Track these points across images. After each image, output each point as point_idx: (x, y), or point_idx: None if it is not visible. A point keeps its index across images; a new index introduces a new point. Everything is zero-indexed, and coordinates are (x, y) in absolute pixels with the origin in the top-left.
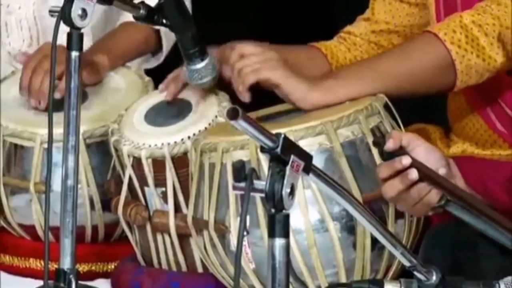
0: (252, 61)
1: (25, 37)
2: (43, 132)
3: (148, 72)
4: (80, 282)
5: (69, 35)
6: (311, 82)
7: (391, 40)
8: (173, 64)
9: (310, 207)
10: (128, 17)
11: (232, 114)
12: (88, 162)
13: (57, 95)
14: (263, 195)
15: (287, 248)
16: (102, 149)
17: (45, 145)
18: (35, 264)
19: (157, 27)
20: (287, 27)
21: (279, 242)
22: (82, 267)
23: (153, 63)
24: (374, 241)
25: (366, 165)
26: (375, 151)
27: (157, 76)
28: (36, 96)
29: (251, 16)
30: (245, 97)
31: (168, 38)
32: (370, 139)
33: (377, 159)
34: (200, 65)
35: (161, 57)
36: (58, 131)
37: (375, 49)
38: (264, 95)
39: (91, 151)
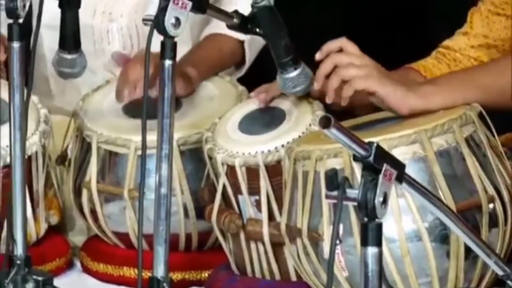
0: (350, 72)
1: (126, 45)
2: (137, 139)
3: (241, 81)
4: None
5: (163, 44)
6: (407, 88)
7: (490, 55)
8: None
9: (403, 216)
10: (216, 27)
11: (325, 123)
12: (182, 169)
13: (153, 94)
14: (355, 203)
15: (379, 257)
16: (196, 156)
17: (139, 152)
18: (129, 272)
19: (242, 38)
20: (382, 46)
21: (371, 250)
22: (176, 276)
23: (236, 75)
24: (468, 250)
25: (460, 174)
26: (469, 160)
27: (250, 85)
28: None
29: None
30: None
31: (251, 50)
32: (464, 149)
33: (471, 168)
34: (293, 73)
35: (243, 70)
36: (153, 138)
37: (475, 64)
38: None
39: (185, 158)
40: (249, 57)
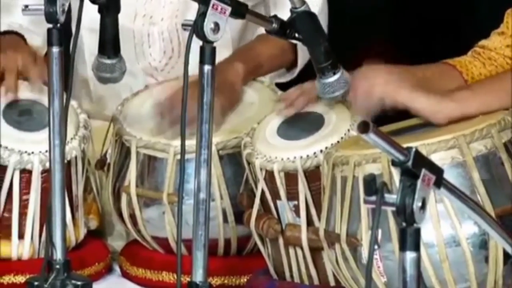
0: (379, 87)
1: (166, 49)
2: (176, 143)
3: (280, 85)
4: None
5: (202, 49)
6: (442, 95)
7: None
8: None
9: (442, 221)
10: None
11: (363, 128)
12: (221, 174)
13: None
14: (394, 209)
15: (418, 262)
16: (234, 161)
17: (179, 157)
18: (168, 277)
19: (294, 41)
20: (420, 44)
21: (410, 255)
22: (215, 281)
23: (287, 77)
24: (506, 255)
25: (499, 180)
26: (508, 165)
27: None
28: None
29: (384, 33)
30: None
31: (304, 53)
32: (502, 154)
33: (510, 173)
34: (332, 78)
35: (295, 72)
36: (192, 142)
37: (510, 64)
38: None
39: (224, 163)
40: (301, 60)
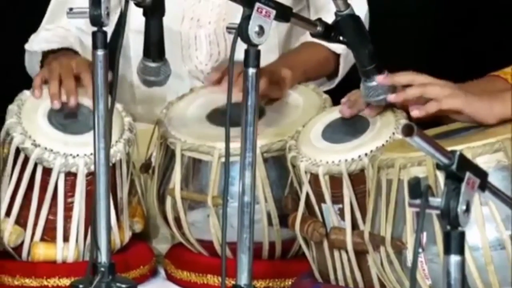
0: (435, 91)
1: (213, 52)
2: (221, 146)
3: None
4: None
5: (246, 52)
6: (490, 96)
7: None
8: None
9: (487, 224)
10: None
11: (407, 131)
12: (265, 177)
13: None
14: (438, 212)
15: (462, 265)
16: (279, 164)
17: (223, 159)
18: (213, 280)
19: (339, 51)
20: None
21: (454, 259)
22: (259, 284)
23: (326, 86)
24: None
25: None
26: None
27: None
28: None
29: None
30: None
31: (345, 64)
32: None
33: None
34: (377, 82)
35: (335, 82)
36: (236, 145)
37: None
38: None
39: (269, 166)
40: (342, 71)
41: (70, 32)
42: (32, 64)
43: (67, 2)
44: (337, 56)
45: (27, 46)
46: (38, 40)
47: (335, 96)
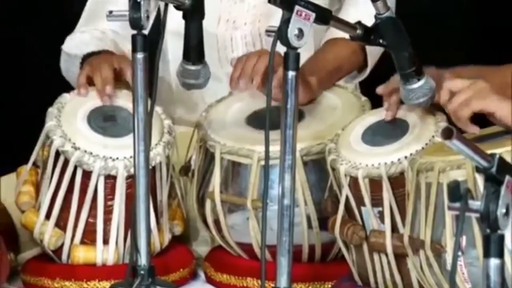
0: (462, 97)
1: None
2: (260, 149)
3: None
4: None
5: (286, 55)
6: None
7: None
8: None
9: None
10: (336, 33)
11: (447, 134)
12: (305, 180)
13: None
14: (478, 215)
15: (502, 268)
16: (318, 167)
17: (263, 162)
18: (252, 283)
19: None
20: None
21: (494, 262)
22: (299, 287)
23: (358, 78)
24: None
25: None
26: None
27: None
28: (247, 75)
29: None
30: (471, 129)
31: (373, 53)
32: None
33: None
34: (417, 85)
35: (366, 73)
36: (276, 148)
37: None
38: None
39: (308, 169)
40: (371, 60)
41: (106, 35)
42: (69, 66)
43: (103, 5)
44: (363, 47)
45: (64, 47)
46: (76, 43)
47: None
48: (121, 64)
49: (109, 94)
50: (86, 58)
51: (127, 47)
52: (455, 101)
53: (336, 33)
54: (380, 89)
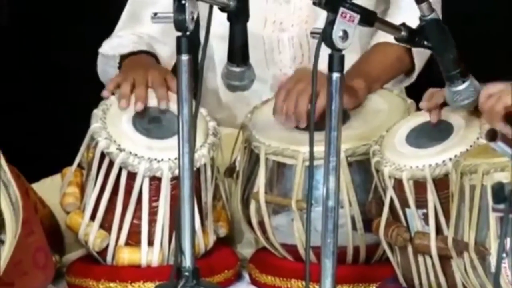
0: (496, 96)
1: (296, 55)
2: (305, 150)
3: (409, 91)
4: None
5: (331, 57)
6: None
7: None
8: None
9: None
10: (382, 37)
11: (491, 136)
12: (350, 181)
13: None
14: None
15: None
16: (363, 168)
17: (307, 163)
18: (297, 285)
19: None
20: None
21: None
22: None
23: (406, 82)
24: None
25: None
26: None
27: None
28: (290, 118)
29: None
30: (504, 129)
31: (420, 57)
32: None
33: None
34: (462, 87)
35: (413, 77)
36: (321, 149)
37: None
38: None
39: (353, 170)
40: (418, 64)
41: (142, 39)
42: (106, 68)
43: (141, 9)
44: (410, 51)
45: (101, 50)
46: (113, 45)
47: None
48: (155, 84)
49: (138, 109)
50: (124, 59)
51: (162, 52)
52: (490, 100)
53: (381, 37)
54: (423, 105)
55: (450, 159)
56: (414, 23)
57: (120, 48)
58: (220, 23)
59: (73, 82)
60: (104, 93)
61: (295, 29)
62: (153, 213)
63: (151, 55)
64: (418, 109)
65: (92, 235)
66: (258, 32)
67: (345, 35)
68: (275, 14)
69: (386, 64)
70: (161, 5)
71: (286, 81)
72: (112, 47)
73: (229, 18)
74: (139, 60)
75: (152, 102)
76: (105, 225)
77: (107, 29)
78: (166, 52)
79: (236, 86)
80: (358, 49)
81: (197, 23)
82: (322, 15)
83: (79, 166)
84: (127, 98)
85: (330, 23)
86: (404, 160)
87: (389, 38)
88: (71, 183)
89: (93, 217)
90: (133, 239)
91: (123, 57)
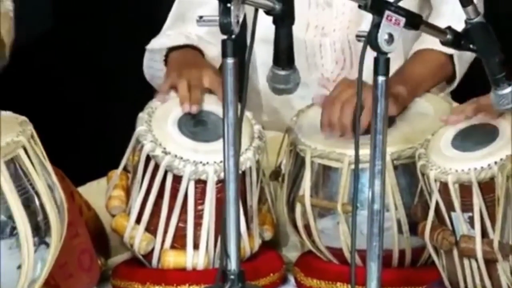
0: None
1: (338, 60)
2: (351, 153)
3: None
4: None
5: (376, 60)
6: None
7: None
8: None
9: None
10: (423, 43)
11: None
12: (395, 184)
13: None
14: None
15: None
16: (409, 171)
17: (353, 166)
18: None
19: (450, 52)
20: None
21: None
22: None
23: (447, 90)
24: None
25: None
26: None
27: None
28: (337, 129)
29: None
30: None
31: (461, 64)
32: None
33: None
34: (507, 90)
35: (455, 84)
36: (366, 152)
37: None
38: None
39: (398, 173)
40: (459, 71)
41: (190, 39)
42: (151, 64)
43: (189, 9)
44: (451, 57)
45: (148, 47)
46: (160, 41)
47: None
48: (213, 86)
49: (193, 112)
50: (170, 53)
51: (210, 53)
52: None
53: (423, 44)
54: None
55: (496, 162)
56: (457, 28)
57: (168, 42)
58: (263, 27)
59: (119, 85)
60: (160, 98)
61: (337, 34)
62: (198, 216)
63: (197, 51)
64: None
65: (138, 238)
66: (300, 37)
67: (391, 38)
68: (317, 18)
69: (428, 71)
70: (209, 6)
71: (331, 92)
72: (159, 43)
73: (274, 21)
74: (186, 54)
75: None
76: (151, 228)
77: (155, 29)
78: (213, 52)
79: (282, 89)
80: (402, 55)
81: (243, 25)
82: (364, 20)
83: (125, 169)
84: (188, 101)
85: (375, 26)
86: (449, 164)
87: (431, 45)
88: (116, 186)
89: (138, 220)
90: (179, 242)
91: (169, 52)
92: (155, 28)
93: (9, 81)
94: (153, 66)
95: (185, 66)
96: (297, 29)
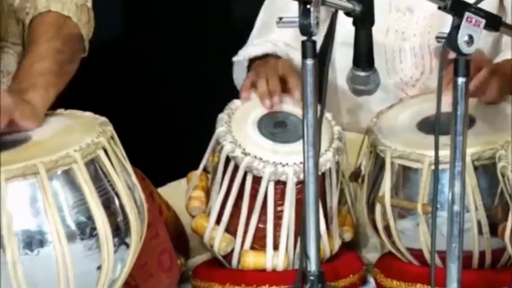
0: None
1: (418, 64)
2: (431, 153)
3: None
4: None
5: (455, 61)
6: None
7: None
8: None
9: None
10: (507, 55)
11: None
12: (476, 185)
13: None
14: None
15: None
16: (489, 172)
17: (433, 167)
18: None
19: None
20: None
21: None
22: None
23: None
24: None
25: None
26: None
27: None
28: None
29: None
30: None
31: None
32: None
33: None
34: None
35: None
36: (446, 153)
37: None
38: None
39: (479, 174)
40: None
41: (278, 46)
42: (238, 74)
43: (275, 17)
44: None
45: (235, 58)
46: (247, 50)
47: None
48: (285, 71)
49: (276, 103)
50: (252, 62)
51: (296, 57)
52: None
53: (506, 55)
54: None
55: None
56: None
57: (254, 51)
58: (344, 30)
59: (198, 87)
60: (244, 95)
61: (417, 39)
62: (278, 217)
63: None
64: None
65: (218, 239)
66: (380, 41)
67: (471, 40)
68: (397, 23)
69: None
70: (293, 12)
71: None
72: (246, 53)
73: (354, 23)
74: (267, 59)
75: (277, 106)
76: (231, 229)
77: (225, 33)
78: (299, 57)
79: (361, 90)
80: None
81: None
82: (445, 25)
83: (205, 170)
84: (267, 97)
85: (455, 28)
86: None
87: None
88: (196, 187)
89: (218, 221)
90: (258, 243)
91: (252, 59)
92: (225, 32)
93: (89, 83)
94: (238, 77)
95: (264, 65)
96: (377, 33)
